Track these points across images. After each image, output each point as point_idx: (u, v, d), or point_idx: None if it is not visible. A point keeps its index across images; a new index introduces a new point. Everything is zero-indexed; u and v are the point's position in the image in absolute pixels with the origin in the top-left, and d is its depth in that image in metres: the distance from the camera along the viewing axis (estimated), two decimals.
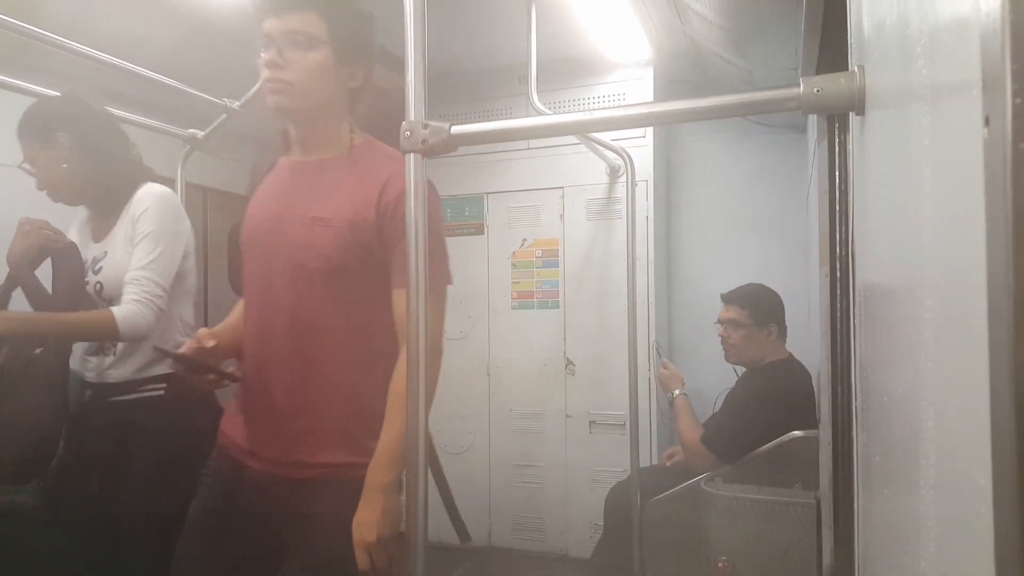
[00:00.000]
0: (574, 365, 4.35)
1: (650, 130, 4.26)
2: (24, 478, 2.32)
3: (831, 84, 1.12)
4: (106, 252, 2.32)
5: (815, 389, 3.03)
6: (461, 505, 4.59)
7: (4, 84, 2.47)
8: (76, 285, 2.31)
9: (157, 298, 2.18)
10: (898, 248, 0.85)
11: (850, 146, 1.33)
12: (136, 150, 2.48)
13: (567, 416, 4.35)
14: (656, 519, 3.02)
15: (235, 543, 1.79)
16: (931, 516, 0.69)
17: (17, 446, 2.16)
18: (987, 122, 0.45)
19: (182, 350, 1.76)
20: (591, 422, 4.30)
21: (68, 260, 2.33)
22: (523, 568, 4.21)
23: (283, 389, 1.74)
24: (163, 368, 2.29)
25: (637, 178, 4.07)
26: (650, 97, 4.26)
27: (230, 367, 1.88)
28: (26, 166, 2.35)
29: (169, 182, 3.41)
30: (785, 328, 3.27)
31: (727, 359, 3.30)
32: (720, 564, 2.67)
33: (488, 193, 4.56)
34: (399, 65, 1.50)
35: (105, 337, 2.22)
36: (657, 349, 4.12)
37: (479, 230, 4.58)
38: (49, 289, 2.32)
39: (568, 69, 4.29)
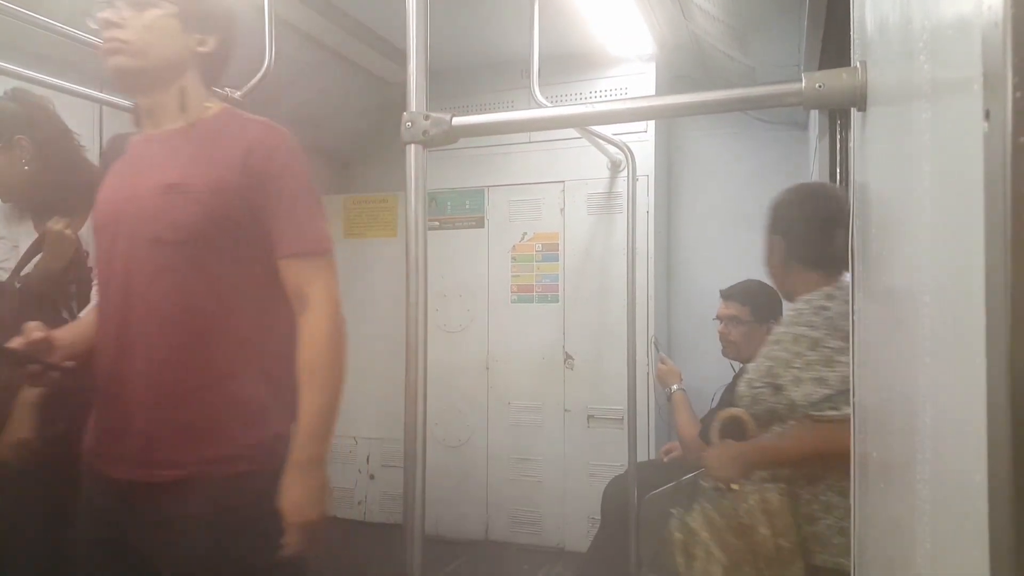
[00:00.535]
0: (573, 359, 4.35)
1: (651, 125, 4.26)
2: None
3: (833, 80, 1.11)
4: None
5: None
6: (459, 498, 4.61)
7: (3, 71, 2.46)
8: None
9: None
10: (897, 245, 0.85)
11: (851, 142, 1.33)
12: (86, 152, 2.47)
13: (565, 410, 4.36)
14: (653, 514, 3.02)
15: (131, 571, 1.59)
16: (927, 512, 0.70)
17: None
18: (987, 116, 0.45)
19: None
20: (589, 416, 4.31)
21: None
22: (520, 561, 4.22)
23: (144, 381, 1.55)
24: None
25: (638, 173, 4.06)
26: (652, 92, 4.26)
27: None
28: None
29: None
30: None
31: (725, 355, 3.29)
32: None
33: (488, 186, 4.56)
34: (401, 57, 1.49)
35: None
36: (656, 344, 4.13)
37: (479, 223, 4.57)
38: None
39: (570, 63, 4.29)
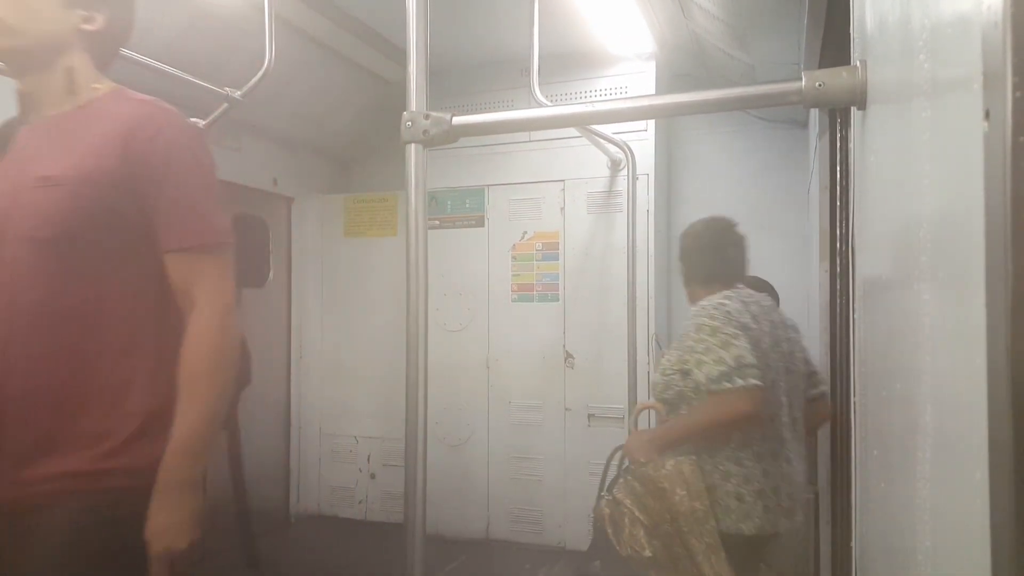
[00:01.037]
0: (573, 358, 4.35)
1: (651, 124, 4.26)
2: None
3: (833, 78, 1.12)
4: None
5: None
6: (460, 497, 4.60)
7: (3, 71, 2.46)
8: None
9: None
10: (898, 243, 0.85)
11: (851, 141, 1.33)
12: None
13: (566, 409, 4.36)
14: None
15: None
16: (928, 510, 0.70)
17: None
18: (987, 115, 0.45)
19: None
20: (590, 415, 4.31)
21: None
22: (521, 560, 4.23)
23: (5, 392, 1.39)
24: None
25: (638, 171, 4.07)
26: (652, 91, 4.26)
27: None
28: None
29: None
30: None
31: None
32: None
33: (489, 185, 4.55)
34: (401, 56, 1.50)
35: None
36: (657, 342, 4.13)
37: (479, 222, 4.57)
38: None
39: (570, 62, 4.29)
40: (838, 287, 2.03)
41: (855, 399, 1.25)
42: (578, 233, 4.37)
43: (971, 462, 0.51)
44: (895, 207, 0.87)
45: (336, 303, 4.96)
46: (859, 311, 1.23)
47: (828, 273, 2.16)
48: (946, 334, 0.63)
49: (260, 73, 3.04)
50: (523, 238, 4.48)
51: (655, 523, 2.11)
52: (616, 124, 3.93)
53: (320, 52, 4.14)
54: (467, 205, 4.60)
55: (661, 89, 4.31)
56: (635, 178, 4.01)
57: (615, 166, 4.24)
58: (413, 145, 1.45)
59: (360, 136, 5.15)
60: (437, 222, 4.59)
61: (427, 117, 1.43)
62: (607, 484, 2.39)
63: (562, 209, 4.39)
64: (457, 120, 1.44)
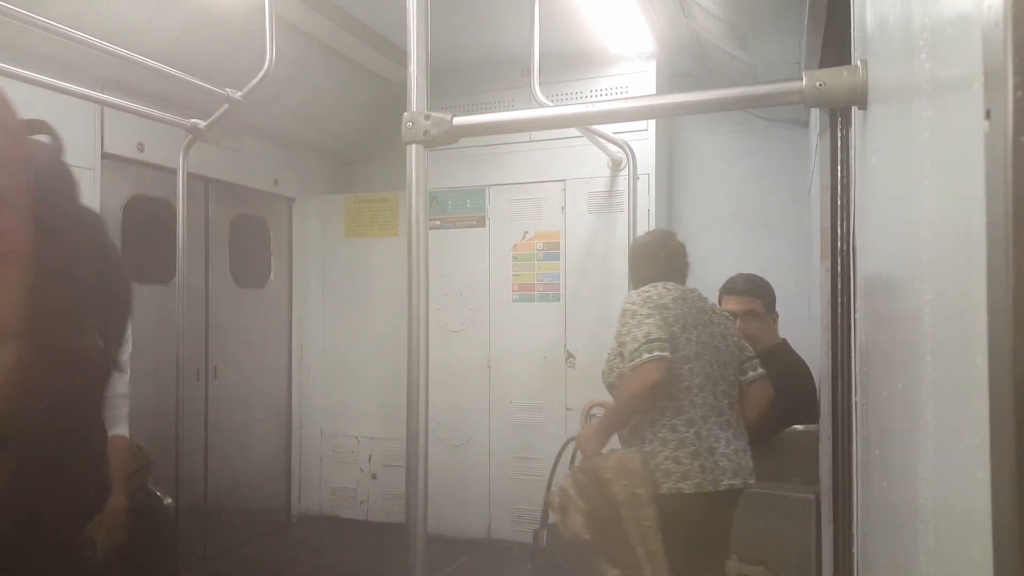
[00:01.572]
0: (574, 358, 4.35)
1: (652, 123, 4.26)
2: None
3: (834, 78, 1.12)
4: None
5: (816, 381, 3.04)
6: (461, 497, 4.60)
7: (5, 72, 2.46)
8: None
9: None
10: (898, 242, 0.85)
11: (852, 140, 1.33)
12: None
13: (567, 409, 4.36)
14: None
15: None
16: (929, 510, 0.70)
17: None
18: (988, 115, 0.45)
19: None
20: (591, 415, 4.30)
21: None
22: (522, 560, 4.22)
23: None
24: None
25: (639, 171, 4.06)
26: (653, 90, 4.25)
27: None
28: None
29: (171, 172, 3.44)
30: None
31: None
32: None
33: (490, 185, 4.55)
34: (401, 56, 1.50)
35: None
36: None
37: (480, 222, 4.57)
38: None
39: (571, 62, 4.28)
40: (839, 286, 2.03)
41: (856, 398, 1.24)
42: (579, 233, 4.36)
43: (973, 461, 0.51)
44: (896, 206, 0.87)
45: (337, 303, 4.96)
46: (860, 310, 1.23)
47: (829, 272, 2.16)
48: (947, 333, 0.63)
49: (261, 74, 3.05)
50: (524, 238, 4.48)
51: (593, 509, 2.35)
52: (617, 124, 3.92)
53: (321, 52, 4.15)
54: (468, 205, 4.60)
55: (662, 89, 4.31)
56: (636, 178, 4.01)
57: (616, 166, 4.24)
58: (414, 145, 1.45)
59: (361, 136, 5.15)
60: (438, 222, 4.59)
61: (428, 118, 1.43)
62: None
63: (563, 209, 4.39)
64: (458, 120, 1.44)
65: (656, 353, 2.33)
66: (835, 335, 2.07)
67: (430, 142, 1.44)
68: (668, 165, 4.77)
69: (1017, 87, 0.42)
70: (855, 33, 1.26)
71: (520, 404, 4.47)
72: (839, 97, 1.13)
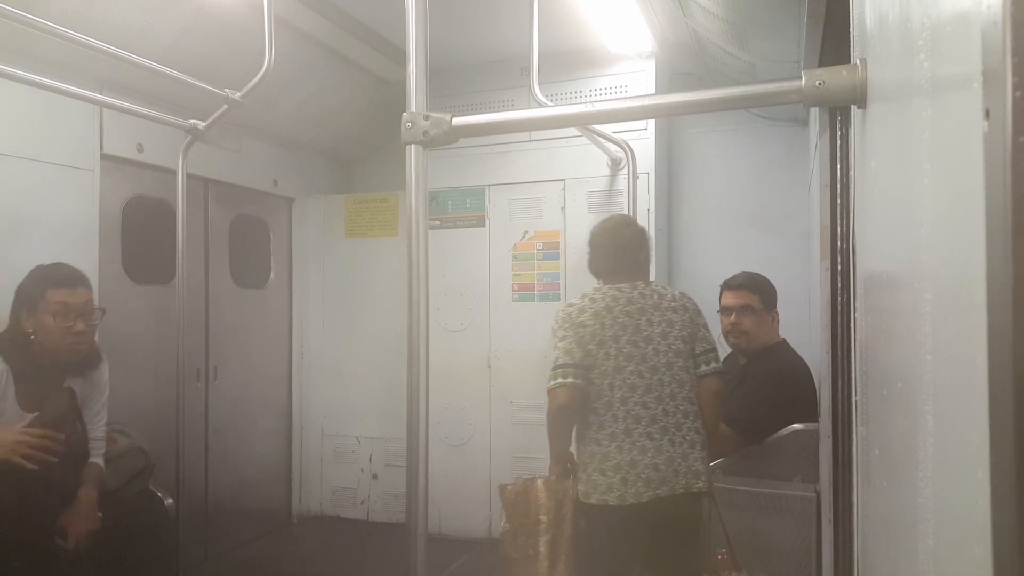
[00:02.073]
0: None
1: (652, 122, 4.26)
2: None
3: (833, 77, 1.12)
4: None
5: (816, 381, 3.03)
6: (461, 497, 4.60)
7: (6, 74, 2.46)
8: None
9: None
10: (898, 241, 0.85)
11: (852, 139, 1.33)
12: None
13: None
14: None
15: None
16: (929, 509, 0.70)
17: None
18: (987, 115, 0.45)
19: None
20: None
21: None
22: None
23: None
24: None
25: (639, 170, 4.06)
26: (652, 89, 4.25)
27: None
28: None
29: (170, 173, 3.44)
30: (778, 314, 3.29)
31: (735, 345, 3.25)
32: (719, 557, 2.67)
33: (489, 185, 4.55)
34: (401, 56, 1.49)
35: None
36: None
37: (480, 222, 4.57)
38: None
39: (570, 61, 4.28)
40: (839, 285, 2.02)
41: (856, 398, 1.24)
42: (579, 232, 4.36)
43: (972, 460, 0.51)
44: (896, 205, 0.87)
45: (337, 304, 4.96)
46: (860, 309, 1.23)
47: (829, 271, 2.15)
48: (947, 332, 0.63)
49: (260, 74, 3.05)
50: (524, 238, 4.48)
51: (514, 528, 2.54)
52: (616, 123, 3.92)
53: (320, 53, 4.14)
54: (468, 205, 4.60)
55: (661, 88, 4.31)
56: (635, 177, 4.01)
57: (615, 165, 4.24)
58: (413, 146, 1.45)
59: (360, 136, 5.15)
60: (438, 222, 4.59)
61: (427, 118, 1.43)
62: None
63: (563, 208, 4.39)
64: (457, 121, 1.44)
65: (559, 380, 2.47)
66: (835, 334, 2.07)
67: (430, 142, 1.44)
68: (668, 164, 4.78)
69: (1016, 87, 0.42)
70: (854, 32, 1.26)
71: (520, 404, 4.47)
72: (838, 96, 1.13)
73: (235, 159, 4.36)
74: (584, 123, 3.40)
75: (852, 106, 1.18)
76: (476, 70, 4.53)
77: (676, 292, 2.72)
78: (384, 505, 4.84)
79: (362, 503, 4.90)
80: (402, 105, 1.47)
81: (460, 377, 4.51)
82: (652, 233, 4.22)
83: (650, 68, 4.26)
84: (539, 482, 2.56)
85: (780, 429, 2.92)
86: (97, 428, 2.70)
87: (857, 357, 1.26)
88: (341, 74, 4.43)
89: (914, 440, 0.75)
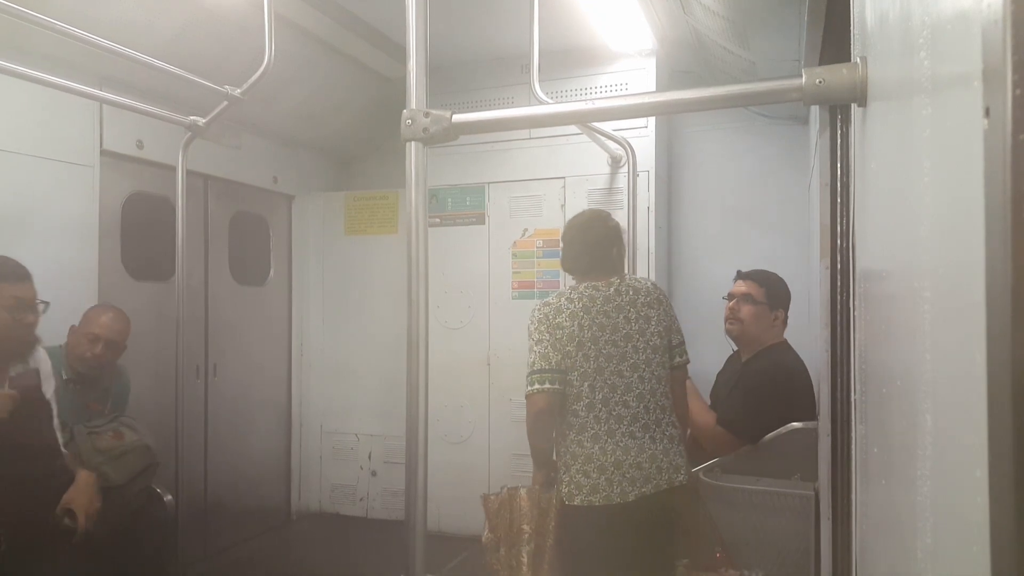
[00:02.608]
0: None
1: (652, 120, 4.25)
2: None
3: (833, 75, 1.11)
4: None
5: (814, 381, 3.03)
6: (461, 495, 4.61)
7: (6, 71, 2.46)
8: None
9: None
10: (898, 240, 0.85)
11: (852, 137, 1.33)
12: None
13: None
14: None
15: None
16: (928, 507, 0.70)
17: None
18: (987, 113, 0.45)
19: None
20: None
21: None
22: None
23: None
24: None
25: (639, 168, 4.06)
26: (653, 87, 4.25)
27: None
28: None
29: (170, 169, 3.43)
30: (787, 318, 3.27)
31: (729, 332, 3.25)
32: (717, 555, 2.68)
33: (489, 183, 4.55)
34: (401, 53, 1.49)
35: None
36: None
37: (480, 220, 4.57)
38: None
39: (570, 58, 4.28)
40: (838, 283, 2.02)
41: (855, 396, 1.25)
42: None
43: (971, 459, 0.51)
44: (895, 204, 0.87)
45: (337, 301, 4.96)
46: (859, 307, 1.23)
47: (828, 269, 2.15)
48: (946, 331, 0.63)
49: (260, 71, 3.04)
50: (524, 235, 4.48)
51: (496, 538, 2.53)
52: (617, 121, 3.92)
53: (320, 50, 4.14)
54: (468, 202, 4.60)
55: (661, 85, 4.30)
56: (636, 175, 4.01)
57: (616, 163, 4.24)
58: (413, 143, 1.45)
59: (360, 133, 5.15)
60: (438, 220, 4.59)
61: (427, 115, 1.43)
62: None
63: (563, 206, 4.39)
64: (457, 118, 1.43)
65: (536, 387, 2.45)
66: (834, 332, 2.07)
67: (429, 139, 1.44)
68: (668, 162, 4.77)
69: (1016, 85, 0.42)
70: (855, 30, 1.26)
71: (520, 401, 4.44)
72: (839, 94, 1.13)
73: (235, 156, 4.36)
74: (584, 120, 3.39)
75: (852, 104, 1.18)
76: (476, 67, 4.53)
77: (649, 284, 2.71)
78: (383, 502, 4.84)
79: (361, 500, 4.90)
80: (402, 102, 1.47)
81: (459, 375, 4.51)
82: (652, 232, 4.23)
83: (650, 66, 4.26)
84: (522, 491, 2.53)
85: (774, 430, 2.92)
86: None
87: (856, 355, 1.26)
88: (341, 71, 4.42)
89: (913, 438, 0.75)
